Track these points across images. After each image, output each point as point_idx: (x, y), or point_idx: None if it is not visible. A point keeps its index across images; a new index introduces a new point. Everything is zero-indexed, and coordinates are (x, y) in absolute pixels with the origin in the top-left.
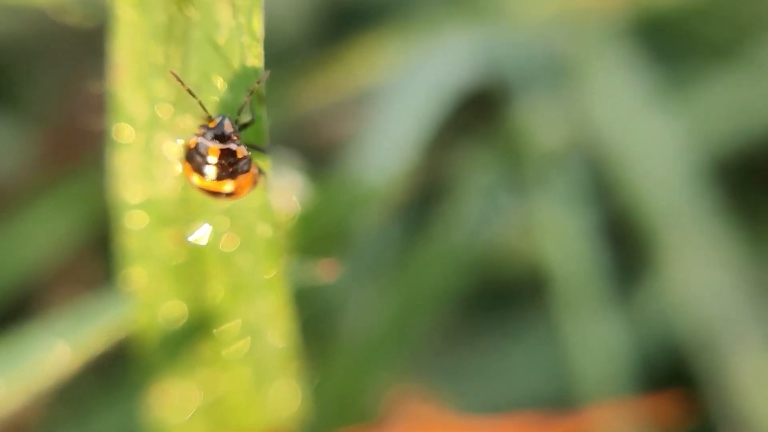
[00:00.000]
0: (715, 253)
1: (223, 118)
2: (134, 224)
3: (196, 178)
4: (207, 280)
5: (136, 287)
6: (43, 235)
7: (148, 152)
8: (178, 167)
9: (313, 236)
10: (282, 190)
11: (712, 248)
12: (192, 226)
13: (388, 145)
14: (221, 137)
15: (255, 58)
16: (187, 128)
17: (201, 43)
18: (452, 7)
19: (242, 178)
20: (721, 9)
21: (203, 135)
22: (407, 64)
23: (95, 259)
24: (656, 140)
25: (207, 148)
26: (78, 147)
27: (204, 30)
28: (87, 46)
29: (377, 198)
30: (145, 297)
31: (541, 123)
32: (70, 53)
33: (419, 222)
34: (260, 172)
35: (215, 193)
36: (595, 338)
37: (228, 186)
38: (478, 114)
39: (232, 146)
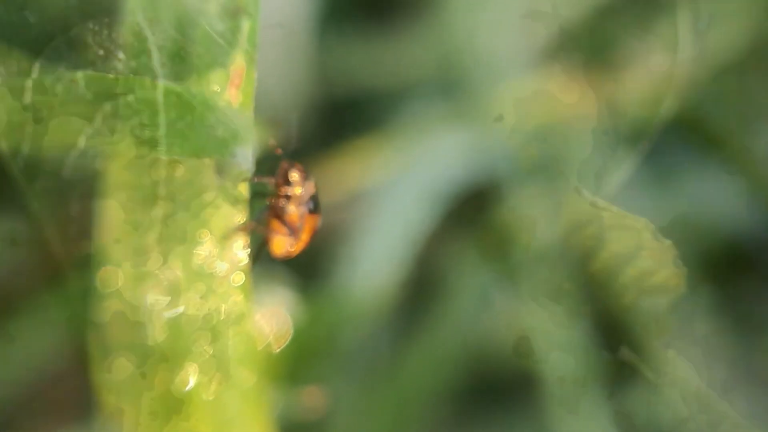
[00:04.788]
0: (705, 349)
1: (290, 166)
2: (117, 371)
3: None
4: (191, 420)
5: (119, 428)
6: (35, 339)
7: (133, 301)
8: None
9: (302, 352)
10: (271, 308)
11: (703, 344)
12: (175, 371)
13: (380, 251)
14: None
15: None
16: (172, 279)
17: (187, 202)
18: (444, 112)
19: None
20: (706, 106)
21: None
22: (399, 167)
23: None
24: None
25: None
26: (70, 252)
27: (191, 190)
28: None
29: (367, 312)
30: None
31: (532, 219)
32: None
33: (410, 321)
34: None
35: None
36: None
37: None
38: (469, 210)
39: (312, 188)
